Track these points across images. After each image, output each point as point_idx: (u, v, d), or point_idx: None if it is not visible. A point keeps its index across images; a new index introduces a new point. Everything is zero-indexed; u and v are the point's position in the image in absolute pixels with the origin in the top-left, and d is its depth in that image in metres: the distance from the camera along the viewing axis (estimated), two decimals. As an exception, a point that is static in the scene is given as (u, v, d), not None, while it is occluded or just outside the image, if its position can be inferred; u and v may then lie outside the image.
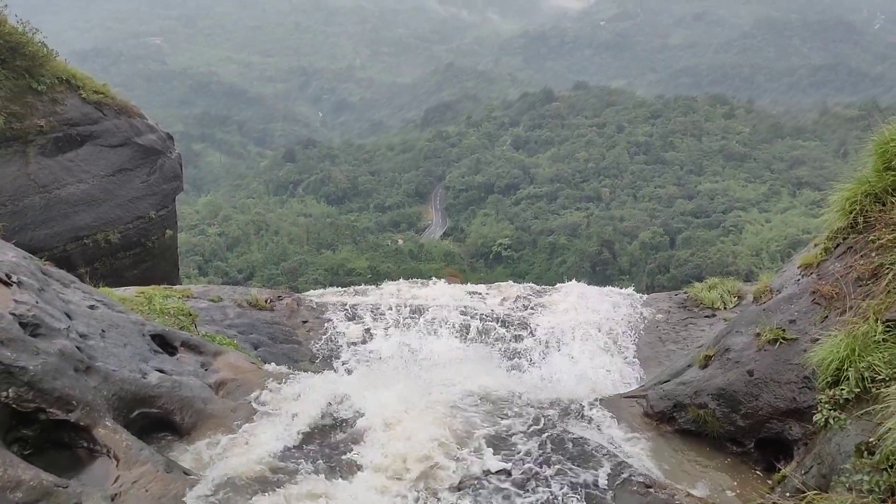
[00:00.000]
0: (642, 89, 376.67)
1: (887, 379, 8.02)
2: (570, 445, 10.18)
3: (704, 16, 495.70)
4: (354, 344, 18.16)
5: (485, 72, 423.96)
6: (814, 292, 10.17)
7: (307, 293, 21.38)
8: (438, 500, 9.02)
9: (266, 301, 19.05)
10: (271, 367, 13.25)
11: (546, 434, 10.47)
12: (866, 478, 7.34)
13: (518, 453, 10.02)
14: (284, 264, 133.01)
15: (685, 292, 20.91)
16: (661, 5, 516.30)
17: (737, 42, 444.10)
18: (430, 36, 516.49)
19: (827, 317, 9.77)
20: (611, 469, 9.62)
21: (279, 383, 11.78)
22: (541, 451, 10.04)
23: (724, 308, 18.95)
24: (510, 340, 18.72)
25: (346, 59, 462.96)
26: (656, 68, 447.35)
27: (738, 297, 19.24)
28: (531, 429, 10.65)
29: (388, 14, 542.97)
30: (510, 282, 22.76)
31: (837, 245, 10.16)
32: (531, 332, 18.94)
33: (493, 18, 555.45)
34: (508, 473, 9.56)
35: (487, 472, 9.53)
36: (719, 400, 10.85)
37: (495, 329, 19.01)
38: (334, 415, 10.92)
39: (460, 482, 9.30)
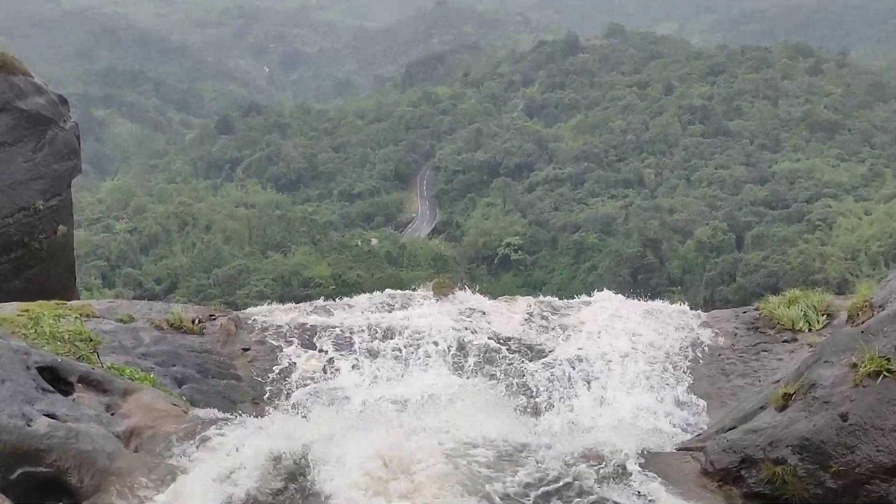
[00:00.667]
0: (698, 36, 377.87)
1: None
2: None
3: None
4: (313, 379, 18.11)
5: (487, 13, 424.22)
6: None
7: (249, 311, 21.36)
8: None
9: (194, 322, 19.01)
10: (201, 410, 13.23)
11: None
12: None
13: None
14: (218, 272, 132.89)
15: (756, 309, 20.98)
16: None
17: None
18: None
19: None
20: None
21: (211, 432, 11.75)
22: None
23: (809, 330, 18.98)
24: (522, 374, 18.72)
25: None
26: (716, 8, 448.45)
27: (828, 315, 19.27)
28: (558, 492, 10.67)
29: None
30: (522, 297, 22.76)
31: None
32: (550, 363, 18.94)
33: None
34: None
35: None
36: (802, 453, 10.88)
37: (502, 357, 18.99)
38: (286, 476, 10.90)
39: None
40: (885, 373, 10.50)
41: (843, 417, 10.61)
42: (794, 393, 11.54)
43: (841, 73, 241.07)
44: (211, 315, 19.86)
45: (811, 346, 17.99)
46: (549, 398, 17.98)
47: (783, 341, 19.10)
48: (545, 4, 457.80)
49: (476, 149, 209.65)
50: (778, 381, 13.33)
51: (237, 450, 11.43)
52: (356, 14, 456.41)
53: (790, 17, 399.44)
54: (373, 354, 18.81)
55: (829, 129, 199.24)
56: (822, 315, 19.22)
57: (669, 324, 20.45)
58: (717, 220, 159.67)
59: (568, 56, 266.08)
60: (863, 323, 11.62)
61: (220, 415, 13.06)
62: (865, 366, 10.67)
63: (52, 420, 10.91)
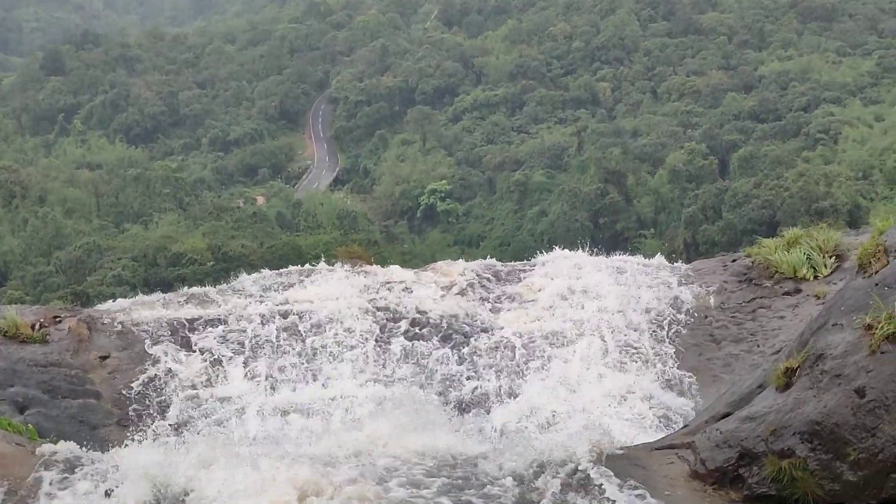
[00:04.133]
0: None
1: None
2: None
3: None
4: (194, 389, 18.08)
5: None
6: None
7: (105, 306, 21.14)
8: None
9: (34, 327, 18.79)
10: (50, 446, 13.07)
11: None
12: None
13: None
14: (61, 254, 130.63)
15: (747, 255, 21.23)
16: None
17: None
18: None
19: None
20: None
21: (67, 473, 11.65)
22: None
23: (815, 277, 19.26)
24: (460, 360, 18.81)
25: None
26: None
27: (837, 256, 19.57)
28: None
29: None
30: (456, 261, 22.82)
31: None
32: (496, 345, 19.04)
33: None
34: None
35: None
36: (813, 441, 11.04)
37: (434, 341, 19.07)
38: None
39: None
40: (909, 334, 10.63)
41: (860, 393, 10.75)
42: (798, 367, 11.66)
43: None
44: (55, 317, 19.62)
45: (818, 298, 18.28)
46: (498, 388, 18.10)
47: (783, 294, 19.34)
48: None
49: (382, 72, 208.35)
50: (779, 352, 13.52)
51: (106, 491, 11.41)
52: None
53: None
54: (268, 352, 18.79)
55: (824, 17, 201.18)
56: (830, 257, 19.47)
57: (642, 282, 20.63)
58: (694, 141, 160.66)
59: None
60: (876, 273, 11.74)
61: (77, 449, 12.92)
62: (883, 328, 10.78)
63: None
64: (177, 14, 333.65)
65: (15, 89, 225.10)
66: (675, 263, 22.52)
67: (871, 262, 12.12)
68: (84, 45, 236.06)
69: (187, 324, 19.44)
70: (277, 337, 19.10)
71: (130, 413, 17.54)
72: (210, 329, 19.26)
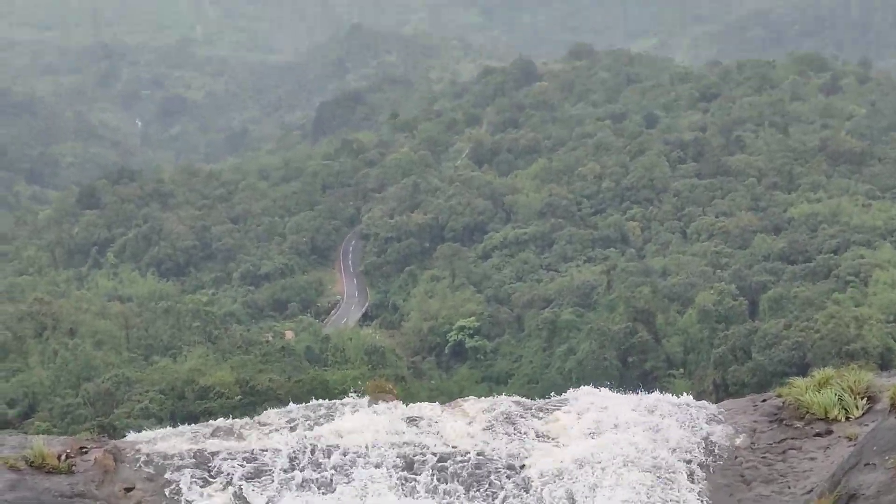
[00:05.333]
0: (684, 53, 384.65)
1: None
2: None
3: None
4: (220, 525, 18.04)
5: (415, 37, 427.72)
6: None
7: (131, 438, 21.16)
8: None
9: (60, 458, 18.82)
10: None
11: None
12: None
13: None
14: (89, 386, 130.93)
15: (779, 395, 21.15)
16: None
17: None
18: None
19: None
20: None
21: None
22: None
23: (846, 419, 19.13)
24: (489, 497, 18.70)
25: (177, 27, 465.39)
26: (706, 16, 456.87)
27: (868, 398, 19.45)
28: None
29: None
30: (483, 397, 22.76)
31: None
32: (523, 482, 18.93)
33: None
34: None
35: None
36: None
37: (461, 478, 18.99)
38: None
39: None
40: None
41: (895, 534, 10.68)
42: (831, 507, 11.58)
43: (864, 90, 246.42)
44: (82, 447, 19.63)
45: (850, 440, 18.11)
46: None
47: (814, 435, 19.20)
48: (489, 24, 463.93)
49: (413, 208, 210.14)
50: (810, 492, 13.41)
51: None
52: (254, 45, 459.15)
53: (796, 18, 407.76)
54: (296, 487, 18.71)
55: (853, 160, 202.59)
56: (862, 398, 19.37)
57: (672, 421, 20.53)
58: (724, 281, 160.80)
59: (522, 86, 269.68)
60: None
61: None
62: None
63: None
64: (211, 151, 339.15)
65: (50, 223, 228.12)
66: (703, 403, 22.45)
67: (903, 402, 12.10)
68: (119, 180, 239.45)
69: (212, 457, 19.43)
70: (303, 471, 19.04)
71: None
72: (236, 462, 19.22)
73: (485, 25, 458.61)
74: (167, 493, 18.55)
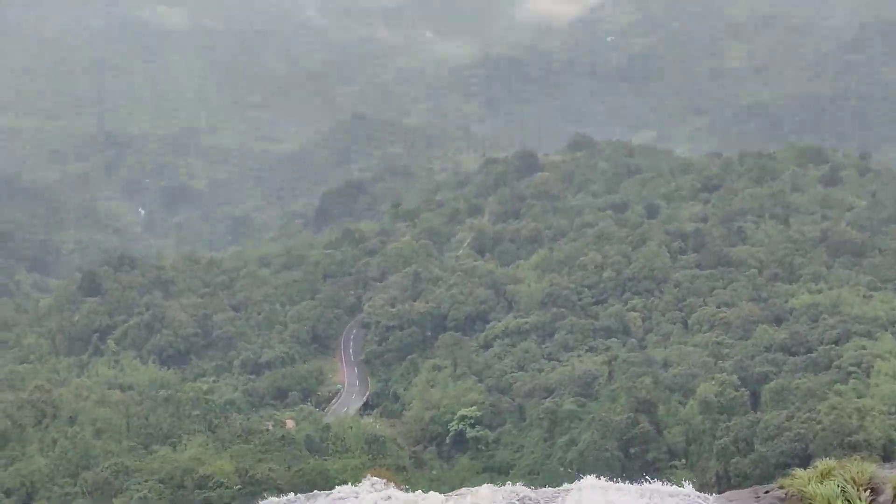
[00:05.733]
0: (684, 144, 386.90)
1: None
2: None
3: (778, 19, 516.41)
4: None
5: (419, 126, 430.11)
6: None
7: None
8: None
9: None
10: None
11: None
12: None
13: None
14: (88, 475, 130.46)
15: (781, 487, 21.08)
16: (706, 5, 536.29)
17: (833, 60, 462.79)
18: (324, 70, 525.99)
19: None
20: None
21: None
22: None
23: (850, 511, 19.06)
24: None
25: (182, 116, 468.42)
26: (705, 107, 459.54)
27: (872, 489, 19.38)
28: None
29: (253, 38, 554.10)
30: (484, 486, 22.72)
31: None
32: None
33: (428, 39, 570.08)
34: None
35: None
36: None
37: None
38: None
39: None
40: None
41: None
42: None
43: (863, 182, 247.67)
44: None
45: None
46: None
47: (818, 528, 19.10)
48: (491, 114, 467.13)
49: (414, 297, 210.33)
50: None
51: None
52: (258, 134, 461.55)
53: (796, 111, 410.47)
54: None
55: (854, 252, 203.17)
56: (865, 490, 19.29)
57: (673, 512, 20.47)
58: (725, 372, 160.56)
59: (523, 176, 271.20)
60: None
61: None
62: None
63: None
64: (214, 238, 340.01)
65: (51, 310, 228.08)
66: (706, 494, 22.40)
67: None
68: (121, 267, 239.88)
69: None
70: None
71: None
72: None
73: (487, 116, 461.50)
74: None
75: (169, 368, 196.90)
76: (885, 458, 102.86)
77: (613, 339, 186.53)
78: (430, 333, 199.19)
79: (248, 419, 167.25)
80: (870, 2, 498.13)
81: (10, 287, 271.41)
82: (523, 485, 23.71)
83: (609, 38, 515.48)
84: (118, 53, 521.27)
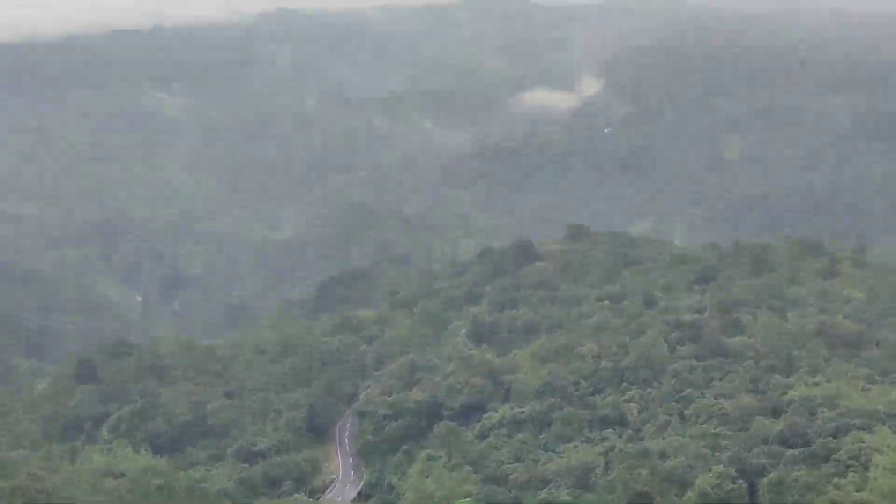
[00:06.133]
0: (681, 234, 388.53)
1: None
2: None
3: (774, 112, 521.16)
4: None
5: (417, 215, 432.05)
6: None
7: None
8: None
9: None
10: None
11: None
12: None
13: None
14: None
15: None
16: (702, 95, 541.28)
17: (830, 150, 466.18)
18: (322, 157, 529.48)
19: None
20: None
21: None
22: None
23: None
24: None
25: (179, 202, 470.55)
26: (702, 199, 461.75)
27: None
28: None
29: (252, 127, 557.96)
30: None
31: None
32: None
33: (427, 128, 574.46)
34: None
35: None
36: None
37: None
38: None
39: None
40: None
41: None
42: None
43: (860, 274, 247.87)
44: None
45: None
46: None
47: None
48: (489, 204, 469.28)
49: (410, 387, 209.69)
50: None
51: None
52: (256, 221, 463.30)
53: (793, 202, 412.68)
54: None
55: (852, 344, 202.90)
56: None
57: None
58: (723, 464, 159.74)
59: (521, 266, 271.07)
60: None
61: None
62: None
63: None
64: (211, 326, 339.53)
65: (46, 396, 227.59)
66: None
67: None
68: (117, 353, 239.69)
69: None
70: None
71: None
72: None
73: (484, 206, 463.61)
74: None
75: (162, 456, 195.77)
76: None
77: (610, 430, 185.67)
78: (425, 423, 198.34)
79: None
80: (864, 94, 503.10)
81: (5, 373, 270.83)
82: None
83: (606, 129, 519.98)
84: (118, 140, 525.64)
